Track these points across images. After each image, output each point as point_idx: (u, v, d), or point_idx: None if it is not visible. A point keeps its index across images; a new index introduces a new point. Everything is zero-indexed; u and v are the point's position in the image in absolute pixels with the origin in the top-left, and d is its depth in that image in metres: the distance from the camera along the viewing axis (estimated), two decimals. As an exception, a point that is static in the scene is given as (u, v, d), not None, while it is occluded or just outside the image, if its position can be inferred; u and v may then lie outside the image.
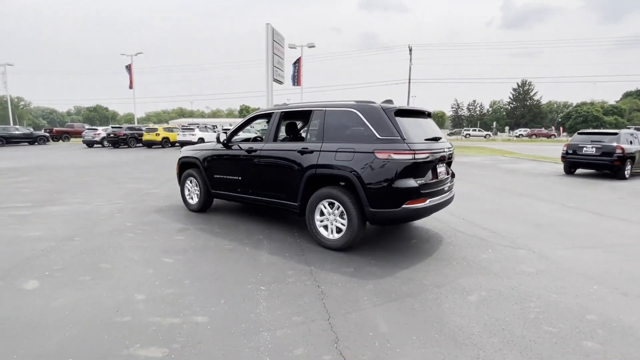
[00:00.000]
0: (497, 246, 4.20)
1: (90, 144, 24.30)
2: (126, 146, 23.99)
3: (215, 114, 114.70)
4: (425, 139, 3.97)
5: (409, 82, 32.81)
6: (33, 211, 5.71)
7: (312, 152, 4.11)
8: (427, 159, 3.78)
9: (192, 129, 23.30)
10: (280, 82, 29.64)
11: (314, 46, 26.09)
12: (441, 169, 4.15)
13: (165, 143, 23.71)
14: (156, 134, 23.46)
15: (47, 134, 28.68)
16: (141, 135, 24.20)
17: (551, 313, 2.65)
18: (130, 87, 29.13)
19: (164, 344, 2.22)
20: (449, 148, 4.35)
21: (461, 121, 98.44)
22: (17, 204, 6.27)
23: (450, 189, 4.37)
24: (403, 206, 3.64)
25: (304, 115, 4.76)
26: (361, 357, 2.11)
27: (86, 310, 2.64)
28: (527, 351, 2.18)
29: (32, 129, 29.81)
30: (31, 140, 26.54)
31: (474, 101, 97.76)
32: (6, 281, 3.13)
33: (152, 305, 2.72)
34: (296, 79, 27.19)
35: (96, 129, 25.33)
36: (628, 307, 2.76)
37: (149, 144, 23.60)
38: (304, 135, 5.27)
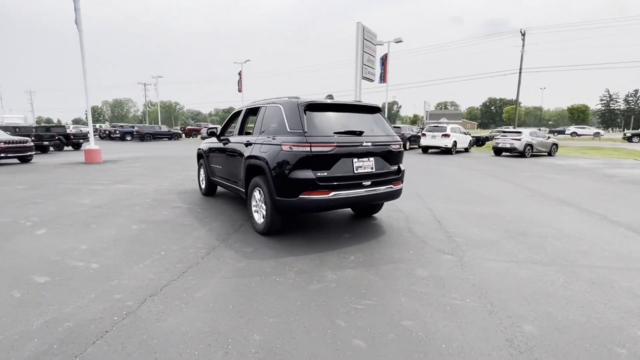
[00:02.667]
0: (418, 244, 3.92)
1: (204, 139, 29.10)
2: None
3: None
4: (337, 132, 3.99)
5: (520, 72, 28.52)
6: (104, 187, 7.73)
7: (251, 144, 4.61)
8: (330, 152, 3.85)
9: None
10: (371, 80, 29.83)
11: (400, 41, 25.42)
12: (362, 163, 4.09)
13: None
14: None
15: (180, 132, 35.75)
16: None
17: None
18: (239, 90, 33.70)
19: (50, 275, 3.14)
20: (381, 143, 4.25)
21: (615, 117, 79.56)
22: (102, 181, 8.52)
23: (378, 184, 4.22)
24: (300, 196, 3.81)
25: (258, 111, 5.17)
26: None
27: (50, 246, 3.81)
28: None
29: (169, 128, 37.68)
30: (169, 136, 33.40)
31: (636, 91, 77.70)
32: (31, 228, 4.63)
33: (80, 253, 3.71)
34: (382, 77, 26.99)
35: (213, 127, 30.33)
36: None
37: None
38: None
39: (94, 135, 15.36)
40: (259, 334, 2.29)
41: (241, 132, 5.45)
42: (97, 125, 42.54)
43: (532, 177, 9.86)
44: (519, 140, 16.26)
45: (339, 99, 4.43)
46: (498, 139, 17.44)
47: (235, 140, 5.28)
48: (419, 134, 20.89)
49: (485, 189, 7.85)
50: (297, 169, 3.81)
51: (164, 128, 34.95)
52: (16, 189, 7.50)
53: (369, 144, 4.13)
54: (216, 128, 6.65)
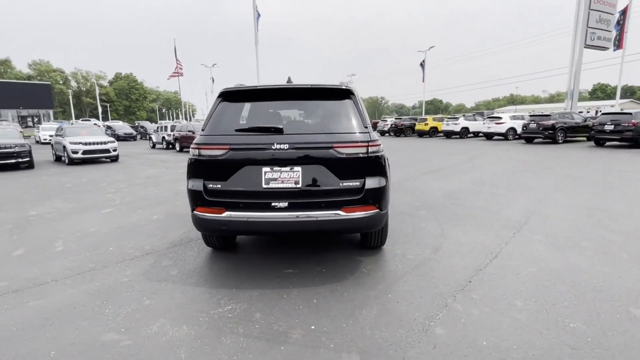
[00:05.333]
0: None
1: (382, 132, 30.62)
2: (404, 135, 28.10)
3: (553, 99, 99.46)
4: (239, 130, 3.06)
5: None
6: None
7: None
8: (223, 157, 2.94)
9: (456, 119, 24.05)
10: (603, 48, 23.23)
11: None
12: (278, 174, 2.92)
13: (433, 132, 25.82)
14: (425, 124, 26.00)
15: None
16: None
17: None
18: (423, 80, 33.97)
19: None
20: (316, 145, 2.91)
21: None
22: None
23: (306, 207, 2.89)
24: (194, 212, 3.06)
25: None
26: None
27: (84, 207, 6.79)
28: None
29: None
30: None
31: None
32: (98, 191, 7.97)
33: (98, 215, 6.36)
34: (617, 41, 20.62)
35: (386, 120, 31.75)
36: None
37: (420, 133, 26.52)
38: None
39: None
40: None
41: None
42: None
43: None
44: None
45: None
46: None
47: None
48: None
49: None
50: (191, 176, 3.11)
51: None
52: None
53: (286, 145, 2.88)
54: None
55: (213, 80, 39.87)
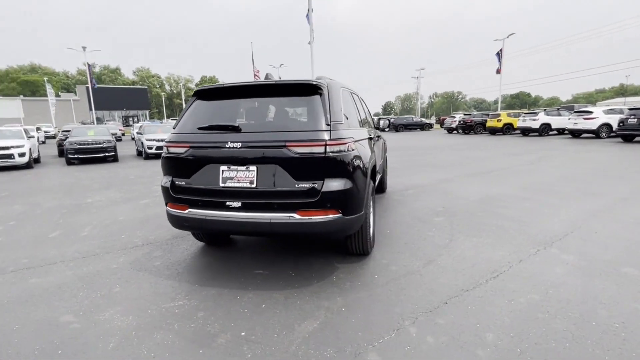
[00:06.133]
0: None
1: (449, 130, 28.72)
2: (473, 132, 25.82)
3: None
4: (201, 128, 3.01)
5: None
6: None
7: None
8: (184, 155, 2.99)
9: (535, 114, 21.21)
10: None
11: None
12: (234, 173, 2.86)
13: (507, 129, 23.19)
14: (497, 120, 23.42)
15: (432, 122, 38.33)
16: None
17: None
18: (498, 72, 30.47)
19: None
20: (267, 144, 2.78)
21: None
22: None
23: (259, 208, 2.81)
24: (166, 207, 3.20)
25: None
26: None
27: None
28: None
29: (421, 119, 39.34)
30: (421, 126, 35.42)
31: None
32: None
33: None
34: None
35: (454, 117, 29.49)
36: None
37: (492, 131, 23.95)
38: None
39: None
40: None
41: None
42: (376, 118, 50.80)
43: None
44: None
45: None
46: None
47: None
48: None
49: None
50: (164, 173, 3.25)
51: (416, 119, 37.32)
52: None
53: (239, 144, 2.81)
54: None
55: (280, 79, 41.63)
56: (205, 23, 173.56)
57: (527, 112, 24.22)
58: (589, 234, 3.99)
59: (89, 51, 32.41)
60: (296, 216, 2.75)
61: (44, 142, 26.76)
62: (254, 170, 2.83)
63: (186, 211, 3.02)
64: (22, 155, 12.21)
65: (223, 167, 2.90)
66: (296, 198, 2.76)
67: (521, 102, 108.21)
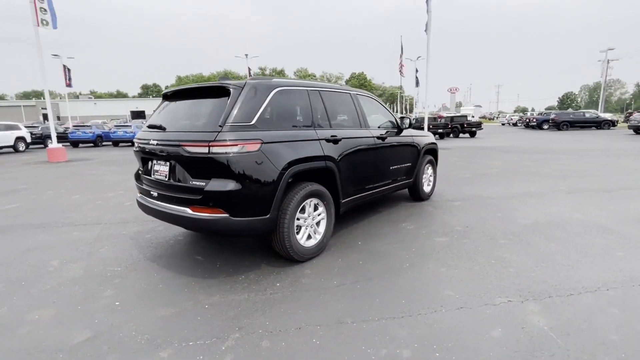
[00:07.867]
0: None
1: (637, 129, 20.83)
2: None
3: None
4: (149, 126, 3.44)
5: None
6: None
7: None
8: (136, 150, 3.60)
9: None
10: None
11: None
12: (159, 167, 3.24)
13: None
14: None
15: (615, 119, 27.73)
16: None
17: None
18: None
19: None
20: (171, 142, 3.02)
21: None
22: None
23: (167, 199, 3.10)
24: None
25: None
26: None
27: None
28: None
29: (598, 114, 28.53)
30: (597, 124, 27.00)
31: None
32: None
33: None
34: None
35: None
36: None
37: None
38: None
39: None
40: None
41: None
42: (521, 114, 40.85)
43: None
44: None
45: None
46: None
47: None
48: None
49: None
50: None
51: (590, 114, 28.04)
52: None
53: (155, 142, 3.19)
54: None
55: (417, 71, 39.35)
56: (358, 24, 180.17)
57: None
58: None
59: (251, 57, 39.04)
60: (188, 211, 2.92)
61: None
62: (167, 166, 3.15)
63: (138, 196, 3.59)
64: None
65: (154, 161, 3.33)
66: (189, 194, 2.93)
67: None
